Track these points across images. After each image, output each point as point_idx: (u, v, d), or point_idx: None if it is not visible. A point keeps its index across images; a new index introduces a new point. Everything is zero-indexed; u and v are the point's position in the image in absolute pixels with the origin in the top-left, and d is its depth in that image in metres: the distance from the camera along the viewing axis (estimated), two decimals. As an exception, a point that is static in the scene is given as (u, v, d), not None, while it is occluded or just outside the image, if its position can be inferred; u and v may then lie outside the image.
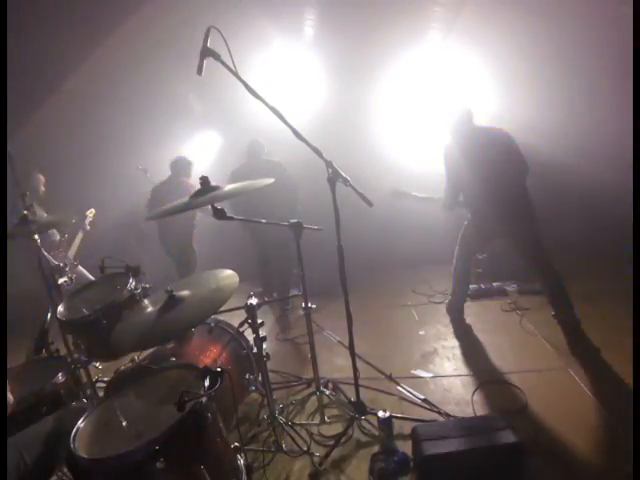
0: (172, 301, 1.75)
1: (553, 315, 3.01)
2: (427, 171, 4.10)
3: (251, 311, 2.17)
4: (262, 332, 2.21)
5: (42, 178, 3.66)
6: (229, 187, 1.98)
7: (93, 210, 3.88)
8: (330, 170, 2.00)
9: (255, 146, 4.00)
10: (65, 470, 1.54)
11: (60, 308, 2.36)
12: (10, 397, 1.62)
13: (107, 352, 2.28)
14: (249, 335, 2.34)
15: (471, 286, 3.99)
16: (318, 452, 2.21)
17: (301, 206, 3.95)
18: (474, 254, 3.43)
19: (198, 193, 1.91)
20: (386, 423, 2.20)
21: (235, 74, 1.84)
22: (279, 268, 4.18)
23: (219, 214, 1.95)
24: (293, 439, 2.28)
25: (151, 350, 2.30)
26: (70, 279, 2.64)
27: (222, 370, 1.48)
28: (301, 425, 2.42)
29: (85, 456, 1.34)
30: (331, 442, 2.27)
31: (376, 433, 2.30)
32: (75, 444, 1.39)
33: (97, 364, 2.75)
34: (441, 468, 1.86)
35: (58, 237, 3.66)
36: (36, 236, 2.46)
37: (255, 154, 3.98)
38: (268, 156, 4.00)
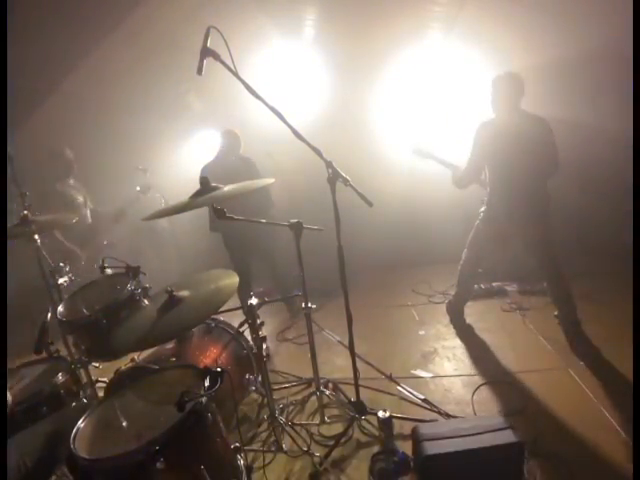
0: (172, 301, 1.75)
1: (555, 315, 3.01)
2: (428, 170, 4.10)
3: (251, 311, 2.17)
4: (262, 332, 2.21)
5: (68, 153, 3.70)
6: (228, 188, 1.97)
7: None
8: (330, 170, 2.00)
9: (229, 138, 3.64)
10: (65, 470, 1.54)
11: (60, 308, 2.36)
12: (9, 396, 1.62)
13: (107, 352, 2.27)
14: (249, 335, 2.34)
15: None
16: (318, 452, 2.20)
17: (276, 210, 3.76)
18: (483, 257, 3.33)
19: (198, 193, 1.91)
20: (386, 423, 2.20)
21: (235, 74, 1.84)
22: (268, 263, 3.95)
23: (219, 214, 1.95)
24: (293, 439, 2.28)
25: (151, 350, 2.30)
26: (70, 279, 2.64)
27: (222, 370, 1.48)
28: (301, 425, 2.42)
29: (85, 456, 1.34)
30: (331, 442, 2.27)
31: (376, 433, 2.30)
32: (75, 444, 1.39)
33: (97, 364, 2.75)
34: (441, 468, 1.85)
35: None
36: (36, 236, 2.47)
37: (229, 147, 3.64)
38: (243, 151, 3.71)
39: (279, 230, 3.20)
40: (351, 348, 2.29)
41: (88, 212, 3.82)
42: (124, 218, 3.87)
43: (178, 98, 4.80)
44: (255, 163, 3.70)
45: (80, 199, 3.66)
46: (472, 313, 3.54)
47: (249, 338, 2.38)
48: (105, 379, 2.55)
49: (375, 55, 4.32)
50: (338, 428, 2.39)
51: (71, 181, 3.76)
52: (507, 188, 2.89)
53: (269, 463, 2.18)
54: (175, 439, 1.35)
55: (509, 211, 2.90)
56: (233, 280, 1.89)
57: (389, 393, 2.66)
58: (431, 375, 2.86)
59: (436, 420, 2.34)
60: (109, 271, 2.53)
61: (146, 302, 1.96)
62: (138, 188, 3.84)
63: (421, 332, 3.48)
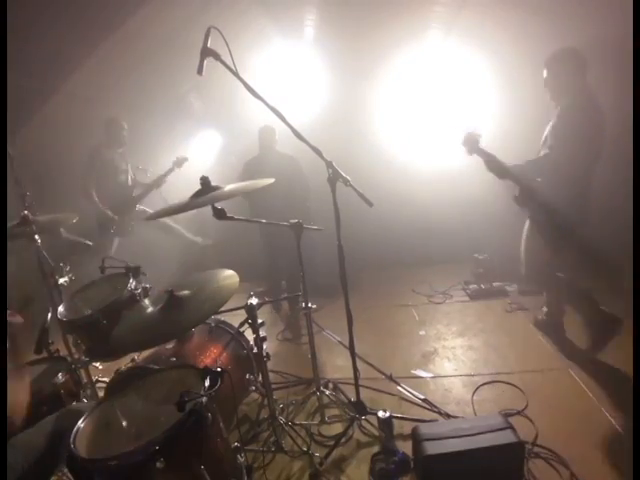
0: (172, 301, 1.75)
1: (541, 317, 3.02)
2: (428, 170, 4.10)
3: (251, 311, 2.17)
4: (262, 332, 2.21)
5: (124, 125, 4.10)
6: (229, 187, 1.97)
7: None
8: (330, 170, 2.00)
9: (267, 133, 3.79)
10: (65, 470, 1.54)
11: (60, 308, 2.37)
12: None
13: (107, 352, 2.28)
14: (249, 335, 2.34)
15: (471, 286, 4.01)
16: (318, 452, 2.20)
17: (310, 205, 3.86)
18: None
19: (199, 193, 1.91)
20: (386, 423, 2.20)
21: (235, 74, 1.84)
22: (291, 268, 3.99)
23: (219, 214, 1.95)
24: (293, 439, 2.28)
25: (151, 350, 2.30)
26: (70, 279, 2.64)
27: (222, 370, 1.48)
28: (301, 425, 2.42)
29: (85, 456, 1.34)
30: (331, 442, 2.27)
31: (376, 433, 2.30)
32: (75, 444, 1.39)
33: (97, 364, 2.74)
34: (441, 468, 1.85)
35: None
36: (36, 236, 2.46)
37: (268, 143, 3.80)
38: (279, 146, 3.85)
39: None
40: (351, 348, 2.29)
41: (129, 179, 4.13)
42: (160, 186, 4.25)
43: (179, 98, 4.80)
44: (296, 159, 3.77)
45: (123, 166, 4.04)
46: (472, 313, 3.54)
47: (249, 338, 2.38)
48: (105, 379, 2.55)
49: (375, 55, 4.32)
50: (338, 428, 2.39)
51: (120, 150, 4.11)
52: (589, 184, 2.41)
53: (269, 463, 2.18)
54: (175, 439, 1.35)
55: (587, 215, 2.48)
56: (233, 280, 1.89)
57: (389, 393, 2.66)
58: (431, 375, 2.86)
59: (436, 420, 2.35)
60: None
61: (146, 302, 1.96)
62: (175, 159, 4.16)
63: (421, 332, 3.48)
